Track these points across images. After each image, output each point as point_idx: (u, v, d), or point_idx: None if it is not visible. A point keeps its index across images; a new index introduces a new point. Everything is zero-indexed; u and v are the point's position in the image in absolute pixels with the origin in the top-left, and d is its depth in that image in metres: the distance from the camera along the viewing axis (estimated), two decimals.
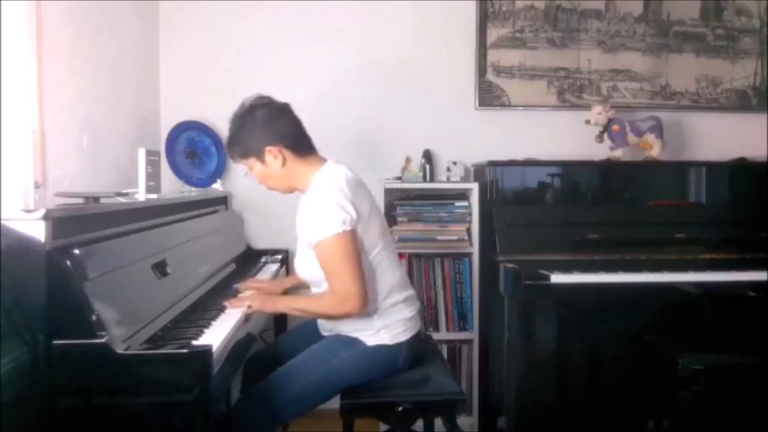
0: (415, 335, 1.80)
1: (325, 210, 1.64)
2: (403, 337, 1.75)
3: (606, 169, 2.73)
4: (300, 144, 1.79)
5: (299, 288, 2.16)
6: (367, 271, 1.69)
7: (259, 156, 1.75)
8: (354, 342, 1.74)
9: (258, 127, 1.74)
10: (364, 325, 1.74)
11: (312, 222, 1.67)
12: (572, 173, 2.74)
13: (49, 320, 1.22)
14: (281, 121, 1.77)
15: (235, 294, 1.91)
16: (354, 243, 1.66)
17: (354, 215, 1.65)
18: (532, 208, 2.62)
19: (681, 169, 2.78)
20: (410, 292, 1.83)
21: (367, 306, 1.67)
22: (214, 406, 1.33)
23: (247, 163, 1.79)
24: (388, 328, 1.74)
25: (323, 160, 1.81)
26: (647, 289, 2.28)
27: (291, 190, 1.83)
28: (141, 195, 1.91)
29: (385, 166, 2.80)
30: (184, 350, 1.28)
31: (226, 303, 1.77)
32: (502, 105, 2.95)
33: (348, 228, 1.64)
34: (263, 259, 2.66)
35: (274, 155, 1.74)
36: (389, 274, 1.76)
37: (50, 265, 1.23)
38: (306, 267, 1.77)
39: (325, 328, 1.85)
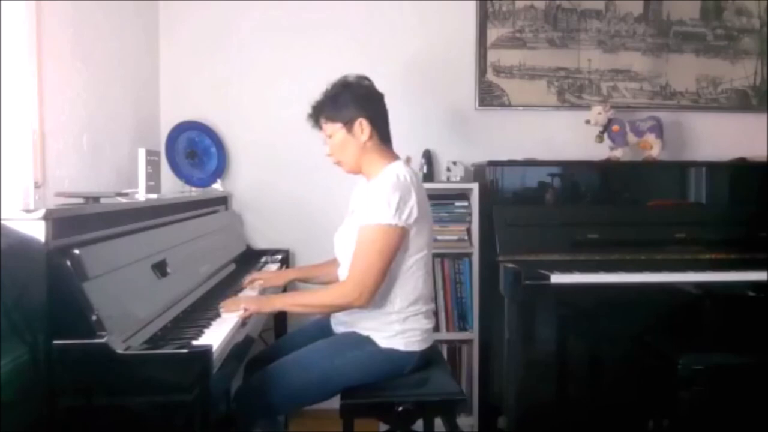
0: (428, 348, 1.80)
1: (390, 199, 1.65)
2: (417, 347, 1.75)
3: (606, 169, 2.73)
4: (385, 132, 1.83)
5: (303, 280, 2.17)
6: (403, 272, 1.71)
7: (349, 124, 1.76)
8: (364, 342, 1.73)
9: (358, 98, 1.77)
10: (383, 325, 1.73)
11: (373, 204, 1.67)
12: (572, 173, 2.75)
13: (49, 320, 1.22)
14: (380, 104, 1.82)
15: (238, 291, 1.90)
16: (397, 242, 1.67)
17: (415, 215, 1.67)
18: (532, 208, 2.62)
19: (681, 169, 2.78)
20: (432, 306, 1.84)
21: (369, 304, 1.68)
22: (214, 406, 1.33)
23: (331, 128, 1.79)
24: (405, 333, 1.73)
25: (396, 156, 1.83)
26: (647, 289, 2.28)
27: (357, 170, 1.83)
28: (141, 195, 1.91)
29: None
30: (184, 350, 1.28)
31: (221, 308, 1.72)
32: (502, 105, 2.95)
33: (401, 224, 1.65)
34: (263, 259, 2.66)
35: (362, 128, 1.76)
36: (422, 283, 1.77)
37: (50, 265, 1.23)
38: (346, 245, 1.76)
39: (341, 321, 1.83)
